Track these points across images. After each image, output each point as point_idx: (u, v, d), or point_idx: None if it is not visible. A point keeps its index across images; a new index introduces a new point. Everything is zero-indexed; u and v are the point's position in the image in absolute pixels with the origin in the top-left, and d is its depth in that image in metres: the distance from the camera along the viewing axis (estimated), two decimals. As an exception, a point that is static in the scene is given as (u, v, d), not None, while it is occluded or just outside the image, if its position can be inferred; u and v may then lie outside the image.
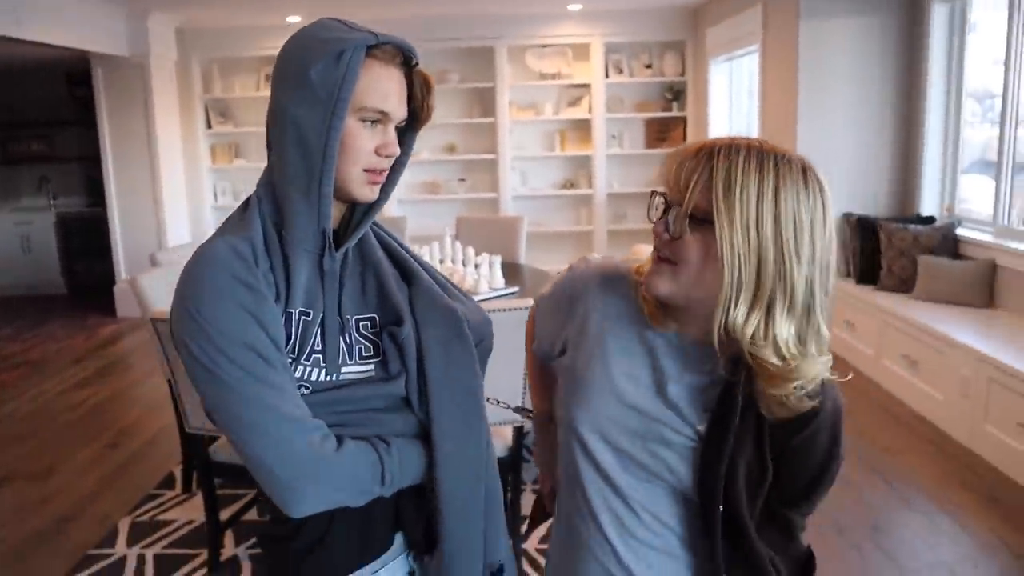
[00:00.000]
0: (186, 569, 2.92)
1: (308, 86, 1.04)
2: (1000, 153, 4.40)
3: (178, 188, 7.39)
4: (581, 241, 8.16)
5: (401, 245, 1.28)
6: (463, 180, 8.04)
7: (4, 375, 5.54)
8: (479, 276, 3.89)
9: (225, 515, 3.06)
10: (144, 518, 3.32)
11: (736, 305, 1.00)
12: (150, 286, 3.36)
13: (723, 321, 1.01)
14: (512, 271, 4.41)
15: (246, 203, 1.13)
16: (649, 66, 7.86)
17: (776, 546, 1.15)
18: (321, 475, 1.06)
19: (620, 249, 7.79)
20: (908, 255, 4.73)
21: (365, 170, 1.10)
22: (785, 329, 1.01)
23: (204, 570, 2.90)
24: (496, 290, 3.85)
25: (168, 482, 3.65)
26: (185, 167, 7.61)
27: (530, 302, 2.88)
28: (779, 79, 5.59)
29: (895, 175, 5.32)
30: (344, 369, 1.12)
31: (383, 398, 1.13)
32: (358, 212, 1.18)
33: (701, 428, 1.09)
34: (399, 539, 1.22)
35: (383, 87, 1.08)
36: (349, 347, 1.13)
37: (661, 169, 1.07)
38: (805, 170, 1.02)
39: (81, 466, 3.91)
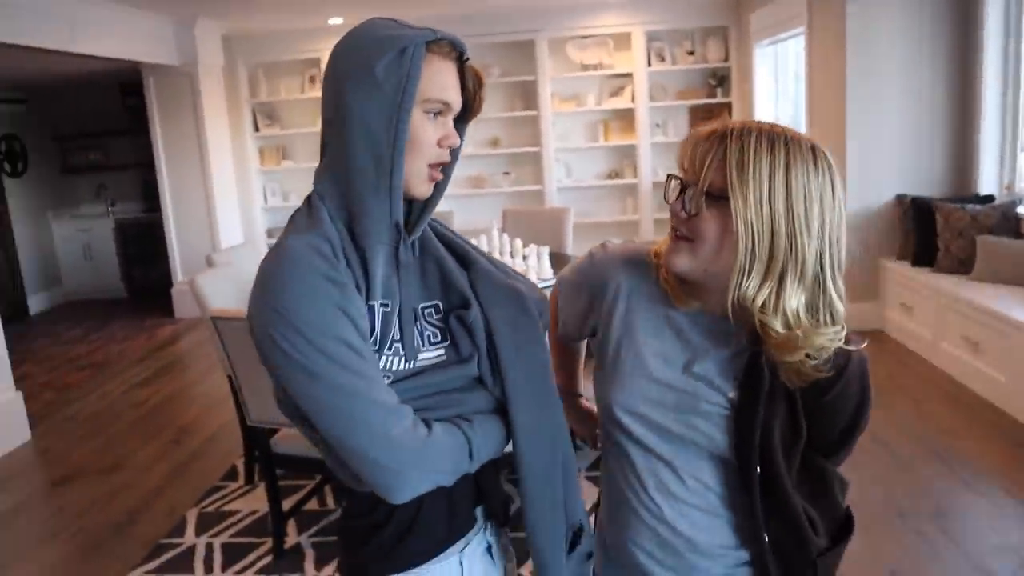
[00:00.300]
0: (252, 556, 3.00)
1: (374, 81, 1.07)
2: (1059, 127, 4.29)
3: (229, 191, 7.54)
4: (627, 230, 8.13)
5: (454, 234, 1.32)
6: (508, 173, 8.06)
7: (71, 376, 5.72)
8: (527, 267, 3.91)
9: (287, 504, 3.14)
10: (210, 509, 3.41)
11: (749, 277, 1.07)
12: (207, 286, 3.45)
13: (736, 292, 1.08)
14: (560, 261, 4.43)
15: (308, 203, 1.15)
16: (692, 53, 7.79)
17: (813, 497, 1.21)
18: (422, 459, 1.08)
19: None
20: (966, 235, 4.64)
21: (429, 165, 1.14)
22: (795, 300, 1.07)
23: (270, 557, 2.98)
24: (544, 280, 3.87)
25: (231, 475, 3.74)
26: (235, 170, 7.76)
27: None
28: (826, 61, 5.50)
29: (950, 154, 5.20)
30: (420, 356, 1.15)
31: (458, 379, 1.16)
32: (416, 206, 1.21)
33: (732, 396, 1.16)
34: (479, 514, 1.26)
35: (443, 79, 1.12)
36: (421, 334, 1.17)
37: (679, 152, 1.15)
38: (814, 149, 1.08)
39: (147, 461, 4.04)
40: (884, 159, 5.22)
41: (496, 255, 4.19)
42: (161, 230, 7.28)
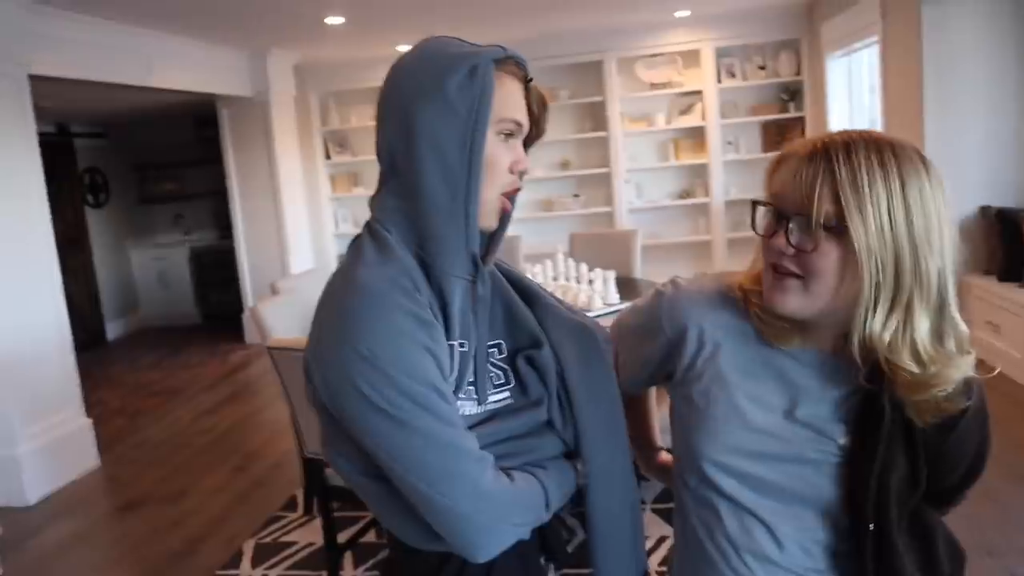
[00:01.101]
0: (307, 591, 2.96)
1: (446, 101, 1.00)
2: None
3: (300, 218, 7.66)
4: (700, 251, 7.94)
5: (512, 267, 1.24)
6: (577, 196, 7.98)
7: (144, 402, 5.85)
8: (592, 292, 3.81)
9: (343, 537, 3.09)
10: (268, 540, 3.39)
11: (875, 311, 0.96)
12: (269, 314, 3.45)
13: (862, 331, 0.96)
14: (627, 286, 4.31)
15: (370, 232, 1.06)
16: (763, 67, 7.59)
17: (919, 553, 1.08)
18: (509, 511, 1.01)
19: (741, 257, 7.52)
20: (1060, 250, 4.34)
21: (502, 193, 1.07)
22: (923, 329, 0.96)
23: (324, 592, 2.93)
24: (610, 306, 3.76)
25: (291, 505, 3.72)
26: (307, 197, 7.88)
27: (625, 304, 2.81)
28: (902, 70, 5.27)
29: (1039, 165, 4.90)
30: (488, 399, 1.08)
31: (528, 424, 1.08)
32: (483, 236, 1.12)
33: (843, 441, 1.04)
34: (543, 561, 1.19)
35: (514, 99, 1.06)
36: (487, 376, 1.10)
37: (768, 176, 1.04)
38: (923, 159, 0.98)
39: (211, 489, 4.06)
40: (966, 169, 4.95)
41: (561, 280, 4.10)
42: (234, 256, 7.43)
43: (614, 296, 3.86)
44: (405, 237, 1.04)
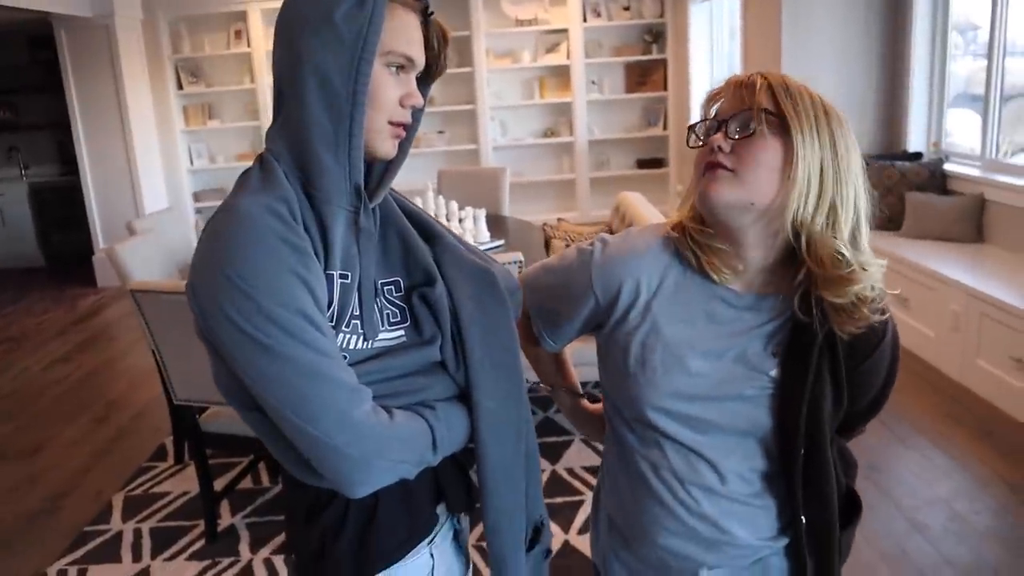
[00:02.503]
0: (184, 541, 2.90)
1: (333, 30, 0.98)
2: (988, 86, 4.35)
3: (152, 153, 7.23)
4: (564, 189, 8.08)
5: (416, 206, 1.23)
6: (442, 132, 7.91)
7: (-14, 351, 5.46)
8: (464, 230, 3.83)
9: (219, 485, 3.04)
10: (138, 492, 3.28)
11: (807, 202, 1.04)
12: (128, 255, 3.29)
13: (796, 214, 1.04)
14: (497, 224, 4.35)
15: (261, 162, 1.04)
16: (627, 8, 7.70)
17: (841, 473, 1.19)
18: (385, 447, 1.00)
19: (603, 196, 7.72)
20: (896, 192, 4.70)
21: (390, 122, 1.05)
22: (844, 233, 1.06)
23: (202, 541, 2.88)
24: (482, 244, 3.79)
25: (160, 454, 3.61)
26: (158, 130, 7.44)
27: (518, 255, 2.85)
28: (761, 18, 5.48)
29: (881, 112, 5.25)
30: (379, 336, 1.06)
31: (419, 363, 1.07)
32: (376, 170, 1.12)
33: (774, 374, 1.12)
34: (441, 511, 1.19)
35: (407, 33, 1.04)
36: (380, 312, 1.08)
37: (705, 108, 1.12)
38: (835, 109, 1.09)
39: (70, 442, 3.87)
40: (818, 117, 5.24)
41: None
42: (80, 194, 6.95)
43: (485, 234, 3.89)
44: (292, 165, 1.03)
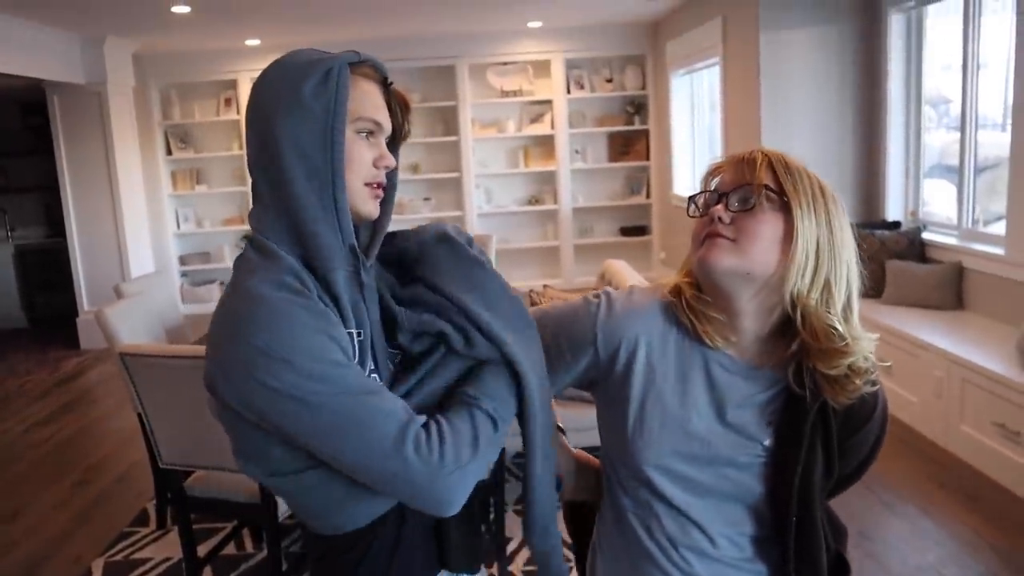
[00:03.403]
0: (165, 609, 2.84)
1: (303, 105, 1.04)
2: (961, 157, 4.48)
3: (140, 216, 7.26)
4: (548, 256, 8.16)
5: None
6: (428, 199, 8.01)
7: (-36, 414, 5.37)
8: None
9: (203, 551, 2.99)
10: (118, 557, 3.22)
11: (804, 276, 1.08)
12: (117, 318, 3.29)
13: (793, 286, 1.08)
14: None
15: (252, 243, 1.08)
16: (610, 80, 7.91)
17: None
18: (454, 458, 1.01)
19: (587, 263, 7.80)
20: (876, 260, 4.79)
21: (366, 184, 1.10)
22: (838, 308, 1.09)
23: (184, 609, 2.82)
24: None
25: (142, 519, 3.55)
26: (146, 194, 7.49)
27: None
28: (741, 91, 5.65)
29: (859, 182, 5.38)
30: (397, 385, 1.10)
31: (450, 373, 1.11)
32: (364, 232, 1.16)
33: (768, 443, 1.15)
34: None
35: (372, 99, 1.10)
36: (393, 361, 1.14)
37: (705, 180, 1.16)
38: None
39: (50, 506, 3.80)
40: (798, 186, 5.35)
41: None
42: (66, 256, 6.94)
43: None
44: (285, 241, 1.06)
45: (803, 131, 5.33)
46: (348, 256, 1.08)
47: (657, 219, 8.10)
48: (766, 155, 1.11)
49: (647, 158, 7.99)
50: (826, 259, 1.08)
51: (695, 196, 1.15)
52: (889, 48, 5.04)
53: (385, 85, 1.14)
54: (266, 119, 1.05)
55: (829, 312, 1.08)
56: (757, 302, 1.11)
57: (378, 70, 1.12)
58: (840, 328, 1.08)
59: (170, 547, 3.23)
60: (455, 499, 1.03)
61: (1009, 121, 4.00)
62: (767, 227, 1.08)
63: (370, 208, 1.11)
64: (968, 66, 4.36)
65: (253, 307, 0.98)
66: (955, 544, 2.99)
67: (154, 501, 3.52)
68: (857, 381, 1.10)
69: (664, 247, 8.00)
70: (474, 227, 7.84)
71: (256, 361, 0.96)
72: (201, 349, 2.59)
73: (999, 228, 4.16)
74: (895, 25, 5.01)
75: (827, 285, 1.09)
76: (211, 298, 7.98)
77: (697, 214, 1.15)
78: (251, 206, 1.12)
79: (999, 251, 4.04)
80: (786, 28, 5.23)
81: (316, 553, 1.16)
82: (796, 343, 1.11)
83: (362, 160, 1.09)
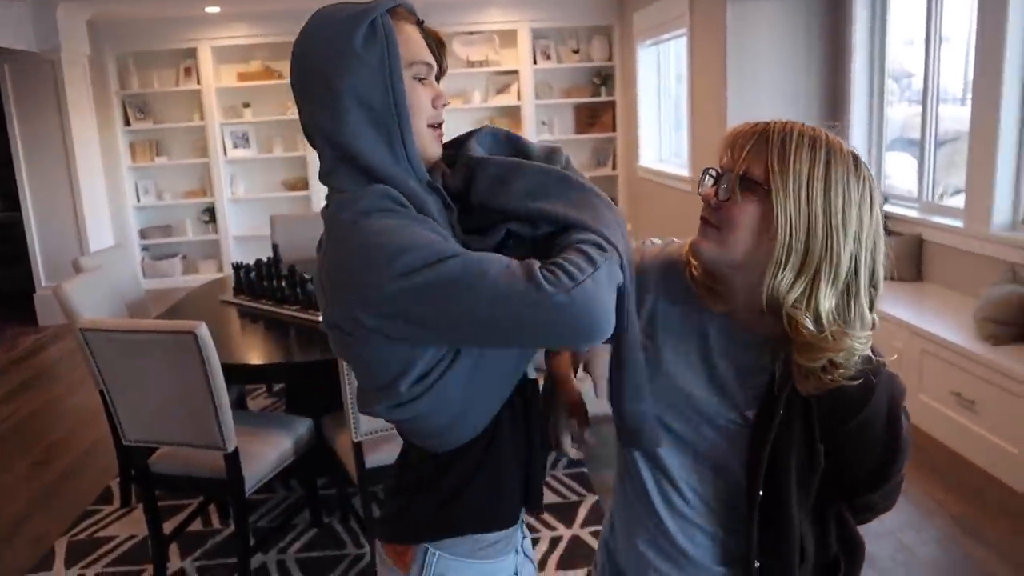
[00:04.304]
0: (130, 587, 2.82)
1: (358, 58, 1.05)
2: (923, 130, 4.53)
3: (98, 189, 7.11)
4: (516, 229, 8.14)
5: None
6: (394, 171, 7.93)
7: (-81, 392, 5.26)
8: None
9: (168, 528, 2.97)
10: (82, 536, 3.19)
11: (783, 271, 1.04)
12: (76, 293, 3.22)
13: (770, 286, 1.05)
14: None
15: (340, 196, 1.09)
16: (577, 51, 7.86)
17: (818, 538, 1.20)
18: (583, 269, 0.99)
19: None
20: (838, 232, 4.84)
21: (430, 125, 1.13)
22: (827, 302, 1.04)
23: (149, 587, 2.81)
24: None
25: (106, 497, 3.51)
26: (104, 167, 7.33)
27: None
28: (707, 62, 5.64)
29: (822, 154, 5.42)
30: None
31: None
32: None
33: (749, 414, 1.14)
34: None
35: (417, 42, 1.12)
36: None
37: (720, 149, 1.12)
38: (855, 157, 1.07)
39: (10, 486, 3.74)
40: (763, 159, 5.39)
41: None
42: (21, 230, 6.78)
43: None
44: (364, 186, 1.09)
45: (769, 103, 5.34)
46: (429, 192, 1.11)
47: (624, 190, 8.11)
48: (765, 132, 1.06)
49: (613, 129, 7.98)
50: (818, 247, 1.03)
51: (706, 171, 1.13)
52: (854, 22, 5.06)
53: (420, 24, 1.15)
54: (324, 79, 1.07)
55: (808, 306, 1.04)
56: (748, 283, 1.09)
57: (411, 11, 1.13)
58: (812, 328, 1.04)
59: (135, 525, 3.20)
60: (599, 310, 0.99)
61: (969, 95, 4.04)
62: (746, 216, 1.05)
63: (436, 148, 1.15)
64: (930, 40, 4.40)
65: (367, 232, 1.02)
66: (913, 510, 3.06)
67: (118, 479, 3.48)
68: (836, 374, 1.05)
69: (631, 218, 8.02)
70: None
71: (392, 266, 0.99)
72: (164, 323, 2.56)
73: (958, 201, 4.22)
74: (860, -1, 5.03)
75: (816, 275, 1.04)
76: (173, 272, 7.87)
77: (700, 192, 1.13)
78: (319, 169, 1.14)
79: (958, 224, 4.11)
80: (753, 0, 5.22)
81: (412, 475, 1.24)
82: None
83: (423, 103, 1.11)
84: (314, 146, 1.13)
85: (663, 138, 7.35)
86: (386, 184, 1.07)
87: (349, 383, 2.56)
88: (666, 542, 1.23)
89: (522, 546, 1.32)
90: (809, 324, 1.04)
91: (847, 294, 1.05)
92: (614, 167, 8.11)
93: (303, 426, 2.95)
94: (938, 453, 3.48)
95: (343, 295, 1.04)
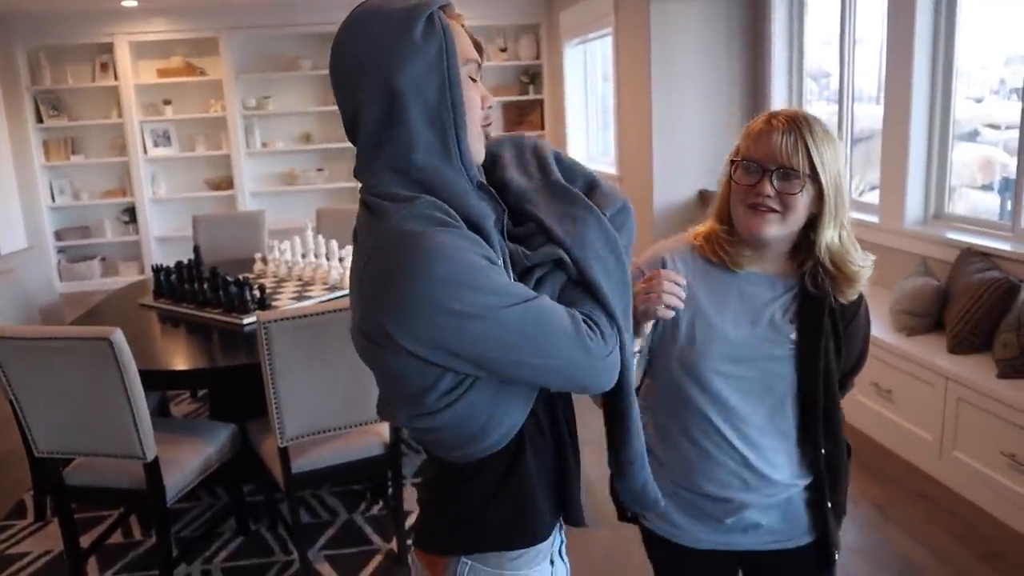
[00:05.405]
0: (46, 604, 2.71)
1: (417, 50, 1.03)
2: (840, 128, 4.66)
3: (8, 188, 6.85)
4: (446, 227, 8.11)
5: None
6: (321, 170, 7.82)
7: None
8: (344, 270, 3.78)
9: (86, 541, 2.87)
10: (-7, 553, 3.05)
11: (830, 227, 1.39)
12: (-16, 300, 3.08)
13: (823, 241, 1.39)
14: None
15: (378, 196, 1.06)
16: (504, 50, 7.87)
17: None
18: (607, 342, 1.09)
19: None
20: (761, 228, 4.95)
21: (481, 125, 1.12)
22: (845, 234, 1.41)
23: (67, 603, 2.70)
24: (365, 283, 3.75)
25: (19, 511, 3.37)
26: (15, 165, 7.04)
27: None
28: (632, 61, 5.71)
29: (745, 152, 5.53)
30: None
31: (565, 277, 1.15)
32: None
33: (793, 336, 1.44)
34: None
35: (466, 40, 1.11)
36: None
37: (747, 143, 1.39)
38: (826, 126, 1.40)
39: (-86, 501, 3.55)
40: (687, 155, 5.49)
41: (311, 257, 4.03)
42: (-75, 233, 6.48)
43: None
44: (409, 189, 1.06)
45: (692, 101, 5.43)
46: (480, 194, 1.10)
47: (553, 189, 8.14)
48: (801, 133, 1.34)
49: (542, 127, 8.02)
50: (840, 203, 1.38)
51: (741, 162, 1.39)
52: (772, 22, 5.18)
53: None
54: (376, 71, 1.03)
55: (845, 248, 1.40)
56: (784, 240, 1.41)
57: (455, 11, 1.12)
58: (859, 265, 1.41)
59: (50, 540, 3.08)
60: (615, 375, 1.11)
61: (882, 94, 4.18)
62: (804, 199, 1.36)
63: (481, 149, 1.13)
64: (845, 41, 4.54)
65: (413, 246, 0.99)
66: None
67: (31, 492, 3.35)
68: (860, 284, 1.44)
69: (560, 217, 8.05)
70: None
71: (436, 292, 0.97)
72: (76, 330, 2.47)
73: (874, 197, 4.36)
74: (778, 0, 5.15)
75: (841, 223, 1.40)
76: (92, 274, 7.61)
77: (742, 182, 1.39)
78: (356, 166, 1.12)
79: (874, 219, 4.24)
80: (675, 1, 5.30)
81: (439, 481, 1.22)
82: (810, 261, 1.41)
83: (475, 102, 1.10)
84: (354, 141, 1.10)
85: (590, 136, 7.41)
86: (433, 185, 1.06)
87: (274, 388, 2.51)
88: (751, 475, 1.46)
89: (559, 552, 1.30)
90: (855, 258, 1.41)
91: (848, 225, 1.42)
92: (543, 165, 8.12)
93: (227, 432, 2.88)
94: (858, 442, 3.58)
95: (381, 307, 1.01)
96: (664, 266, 1.47)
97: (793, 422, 1.47)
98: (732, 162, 1.41)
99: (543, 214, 1.15)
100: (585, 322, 1.07)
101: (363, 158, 1.10)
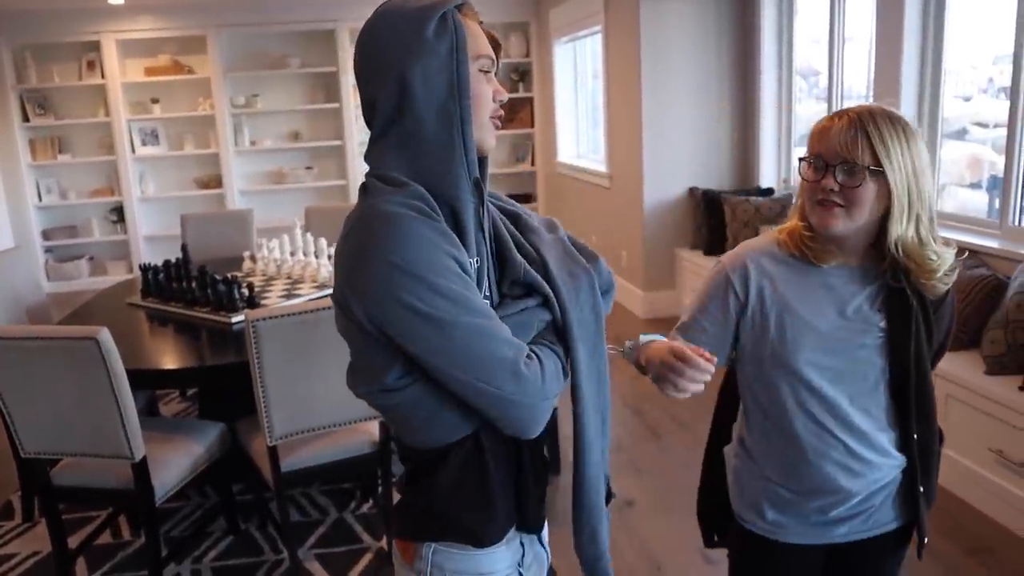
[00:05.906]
0: (33, 605, 2.69)
1: (429, 47, 1.10)
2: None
3: (-6, 188, 6.78)
4: (436, 225, 8.09)
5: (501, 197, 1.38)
6: (310, 168, 7.80)
7: None
8: (332, 268, 3.77)
9: (74, 542, 2.86)
10: (-20, 554, 3.03)
11: (901, 222, 1.40)
12: (-30, 299, 3.06)
13: (895, 236, 1.40)
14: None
15: (376, 178, 1.14)
16: (494, 47, 7.85)
17: None
18: (547, 388, 1.13)
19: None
20: (751, 226, 4.97)
21: (491, 117, 1.19)
22: (924, 232, 1.42)
23: (55, 604, 2.68)
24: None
25: (6, 512, 3.34)
26: (1, 165, 7.00)
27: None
28: (622, 59, 5.71)
29: (735, 150, 5.55)
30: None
31: (542, 322, 1.22)
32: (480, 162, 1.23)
33: (883, 325, 1.48)
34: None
35: (480, 37, 1.18)
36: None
37: (812, 141, 1.43)
38: (907, 121, 1.41)
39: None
40: (677, 154, 5.50)
41: (300, 255, 4.01)
42: (-90, 233, 6.43)
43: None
44: (411, 175, 1.13)
45: (682, 99, 5.44)
46: (473, 188, 1.16)
47: (542, 186, 8.15)
48: (863, 127, 1.36)
49: (532, 125, 8.01)
50: (915, 198, 1.39)
51: (805, 158, 1.44)
52: (762, 20, 5.19)
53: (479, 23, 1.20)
54: (392, 64, 1.11)
55: (922, 242, 1.41)
56: (860, 235, 1.44)
57: (475, 11, 1.20)
58: (935, 258, 1.42)
59: (38, 541, 3.06)
60: (543, 422, 1.16)
61: (872, 92, 4.19)
62: (870, 193, 1.38)
63: (492, 140, 1.21)
64: (834, 40, 4.55)
65: (387, 225, 1.06)
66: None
67: (19, 493, 3.32)
68: (947, 280, 1.46)
69: (549, 213, 8.03)
70: (357, 196, 7.67)
71: (392, 277, 1.04)
72: (63, 329, 2.45)
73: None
74: (768, -1, 5.16)
75: (918, 218, 1.40)
76: (80, 274, 7.57)
77: (808, 178, 1.43)
78: (369, 147, 1.19)
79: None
80: (665, -2, 5.30)
81: (411, 473, 1.25)
82: (890, 255, 1.42)
83: (486, 96, 1.17)
84: (370, 128, 1.17)
85: (580, 134, 7.41)
86: (433, 173, 1.12)
87: (262, 386, 2.50)
88: (854, 461, 1.49)
89: (539, 540, 1.34)
90: (931, 255, 1.42)
91: (931, 221, 1.43)
92: (532, 163, 8.14)
93: (216, 431, 2.87)
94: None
95: (347, 276, 1.08)
96: (746, 269, 1.52)
97: (886, 408, 1.51)
98: (801, 159, 1.45)
99: (549, 258, 1.24)
100: (532, 361, 1.12)
101: (373, 143, 1.18)
